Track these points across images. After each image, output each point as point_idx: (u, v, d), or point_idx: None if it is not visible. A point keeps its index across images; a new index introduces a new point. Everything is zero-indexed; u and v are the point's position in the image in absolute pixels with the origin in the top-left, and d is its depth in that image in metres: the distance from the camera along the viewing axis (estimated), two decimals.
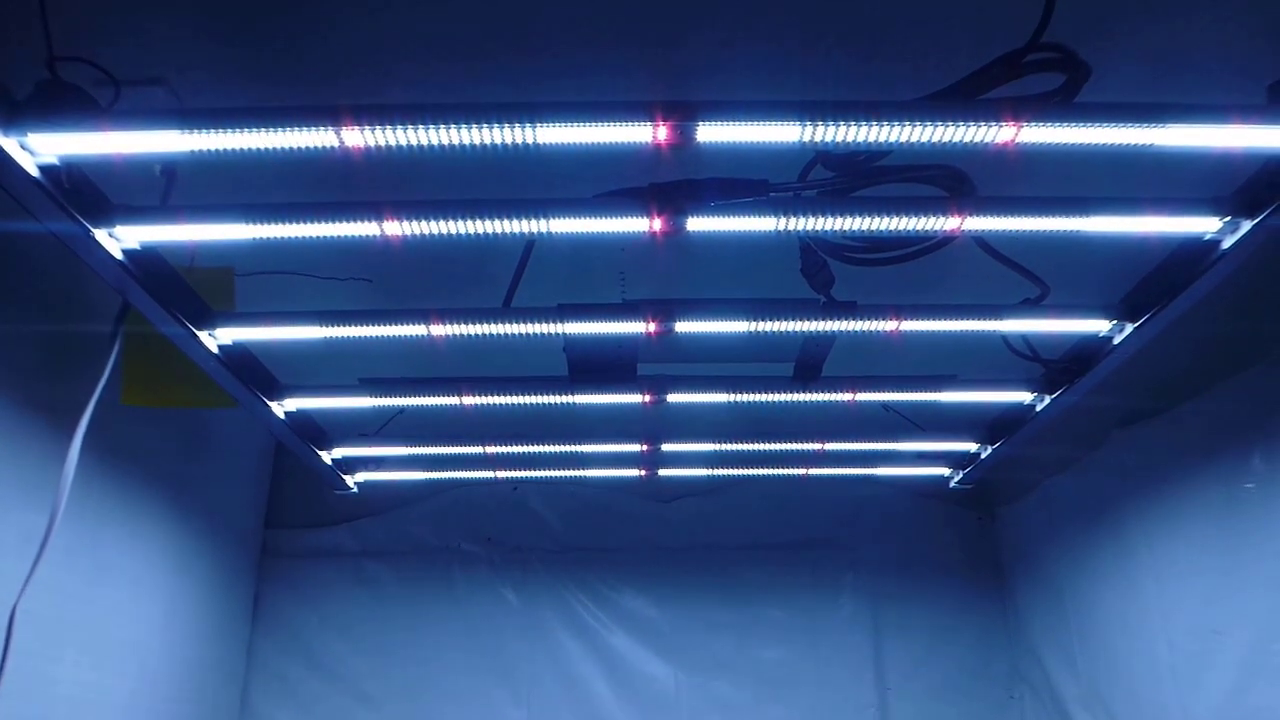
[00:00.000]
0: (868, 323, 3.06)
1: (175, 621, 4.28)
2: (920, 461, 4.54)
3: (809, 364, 3.49)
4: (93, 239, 2.41)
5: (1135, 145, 2.24)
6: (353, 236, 2.51)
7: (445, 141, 2.17)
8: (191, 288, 2.94)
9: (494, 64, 2.77)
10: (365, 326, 3.02)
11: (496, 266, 3.86)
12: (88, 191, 2.37)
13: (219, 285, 3.34)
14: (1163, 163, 2.41)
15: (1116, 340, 3.14)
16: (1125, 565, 4.46)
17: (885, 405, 4.10)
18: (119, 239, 2.50)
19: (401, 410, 3.99)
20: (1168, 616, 4.15)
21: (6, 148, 2.08)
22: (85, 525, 3.56)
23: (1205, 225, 2.58)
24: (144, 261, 2.64)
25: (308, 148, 2.18)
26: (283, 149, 2.20)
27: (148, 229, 2.50)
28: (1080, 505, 4.86)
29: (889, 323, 3.08)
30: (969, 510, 5.84)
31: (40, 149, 2.15)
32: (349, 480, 4.42)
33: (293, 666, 5.29)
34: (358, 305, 3.44)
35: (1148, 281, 2.95)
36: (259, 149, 2.18)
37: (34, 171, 2.18)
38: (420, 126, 2.14)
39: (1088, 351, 3.30)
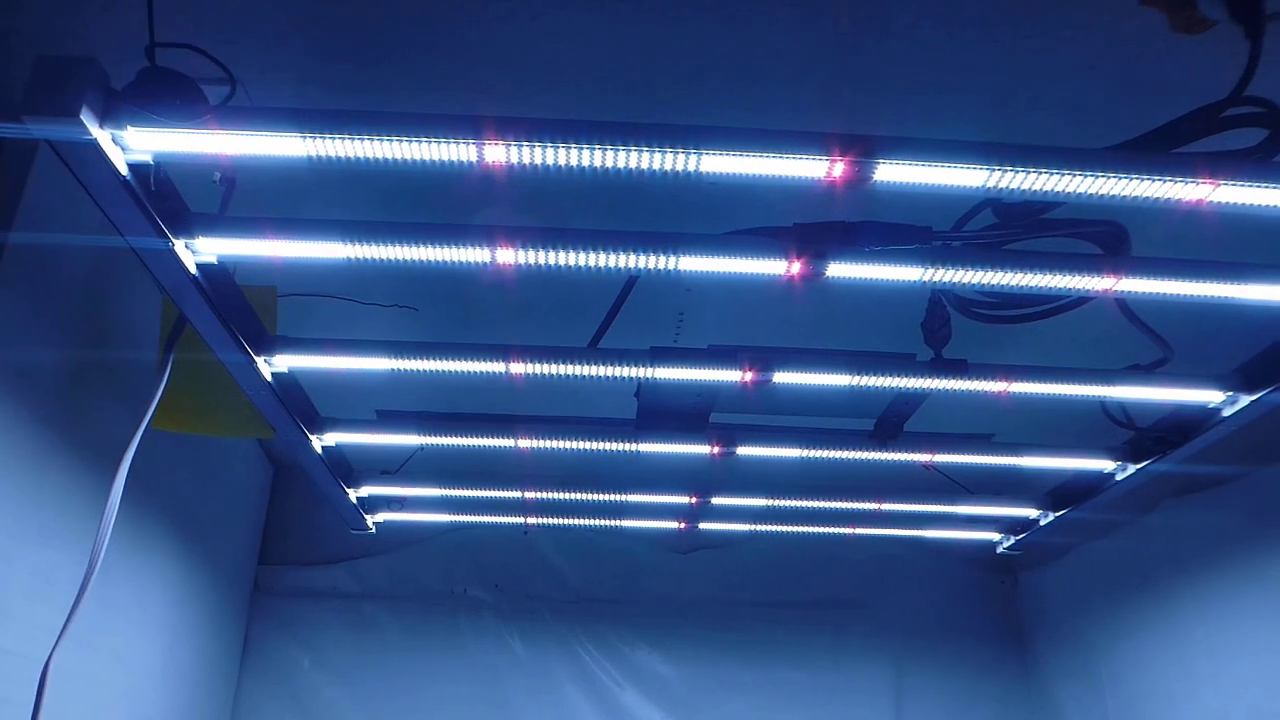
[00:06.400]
0: (976, 383, 2.88)
1: (172, 667, 3.91)
2: (970, 525, 4.35)
3: (893, 421, 3.30)
4: (171, 251, 2.14)
5: None
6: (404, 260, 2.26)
7: (599, 164, 1.93)
8: (252, 308, 2.66)
9: (613, 87, 2.55)
10: (439, 360, 2.75)
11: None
12: (171, 196, 2.10)
13: (262, 306, 3.07)
14: None
15: (1226, 413, 2.98)
16: (1174, 639, 4.31)
17: (926, 465, 3.92)
18: (196, 252, 2.22)
19: (421, 448, 3.71)
20: (1223, 698, 4.00)
21: (100, 141, 1.80)
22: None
23: None
24: (215, 278, 2.36)
25: (441, 161, 1.93)
26: (408, 161, 1.95)
27: (229, 242, 2.22)
28: (1122, 573, 4.71)
29: (997, 384, 2.90)
30: (991, 573, 5.68)
31: (135, 145, 1.88)
32: (369, 520, 4.10)
33: (282, 714, 4.91)
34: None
35: (1274, 351, 2.80)
36: (387, 159, 1.93)
37: (123, 170, 1.90)
38: (572, 145, 1.90)
39: (1189, 421, 3.14)
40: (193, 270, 2.24)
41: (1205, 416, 3.07)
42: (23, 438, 2.69)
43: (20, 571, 2.69)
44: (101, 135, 1.81)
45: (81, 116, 1.72)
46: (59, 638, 2.24)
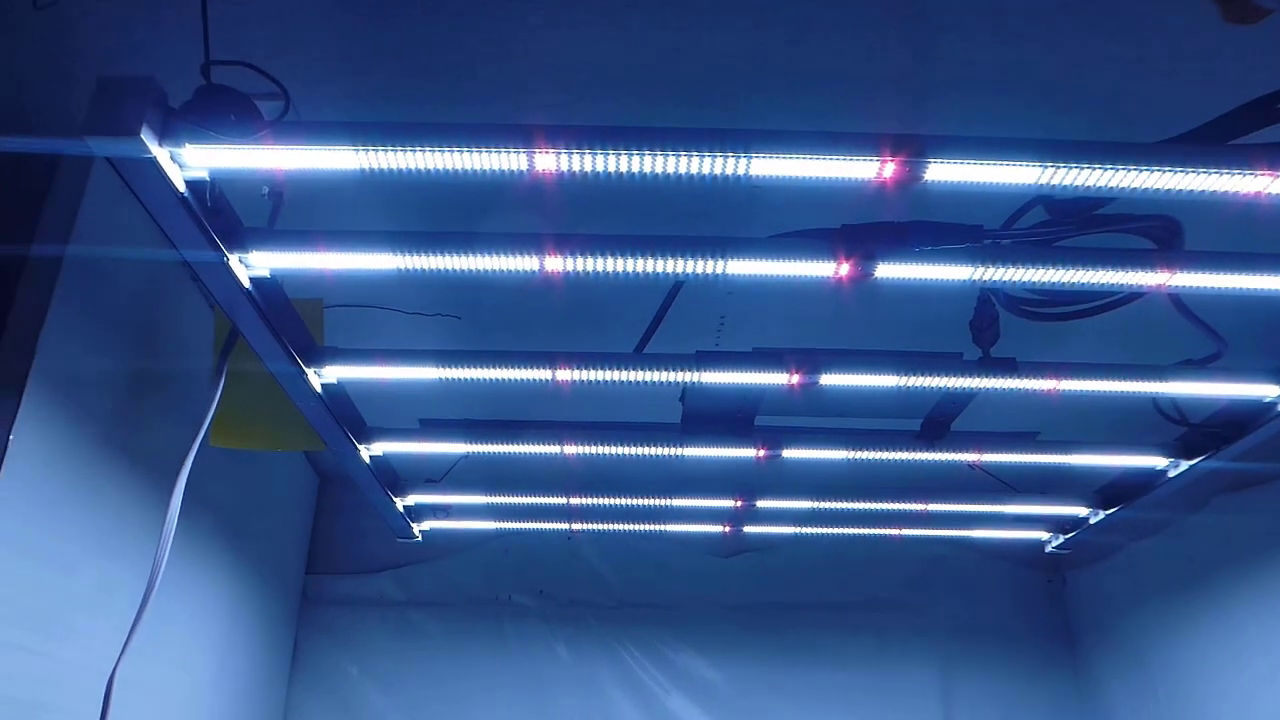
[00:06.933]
0: (1026, 381, 2.85)
1: (225, 677, 3.96)
2: (1018, 524, 4.31)
3: (939, 421, 3.27)
4: (226, 265, 2.17)
5: None
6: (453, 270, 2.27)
7: (650, 170, 1.93)
8: (302, 321, 2.69)
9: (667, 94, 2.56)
10: (488, 369, 2.76)
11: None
12: (225, 211, 2.13)
13: (309, 317, 3.10)
14: None
15: None
16: (1228, 638, 4.24)
17: (972, 465, 3.88)
18: (249, 265, 2.25)
19: (465, 455, 3.72)
20: None
21: (159, 159, 1.83)
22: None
23: None
24: (266, 291, 2.39)
25: (493, 170, 1.95)
26: (460, 171, 1.96)
27: (281, 255, 2.24)
28: (1174, 570, 4.64)
29: (1047, 382, 2.87)
30: (1039, 573, 5.61)
31: (193, 162, 1.91)
32: (415, 528, 4.13)
33: None
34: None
35: None
36: (440, 170, 1.94)
37: (181, 187, 1.93)
38: (622, 152, 1.91)
39: (1244, 416, 3.09)
40: (245, 284, 2.27)
41: (1260, 411, 3.02)
42: (83, 451, 2.74)
43: (82, 584, 2.74)
44: (160, 153, 1.84)
45: (141, 135, 1.75)
46: (123, 650, 2.28)
